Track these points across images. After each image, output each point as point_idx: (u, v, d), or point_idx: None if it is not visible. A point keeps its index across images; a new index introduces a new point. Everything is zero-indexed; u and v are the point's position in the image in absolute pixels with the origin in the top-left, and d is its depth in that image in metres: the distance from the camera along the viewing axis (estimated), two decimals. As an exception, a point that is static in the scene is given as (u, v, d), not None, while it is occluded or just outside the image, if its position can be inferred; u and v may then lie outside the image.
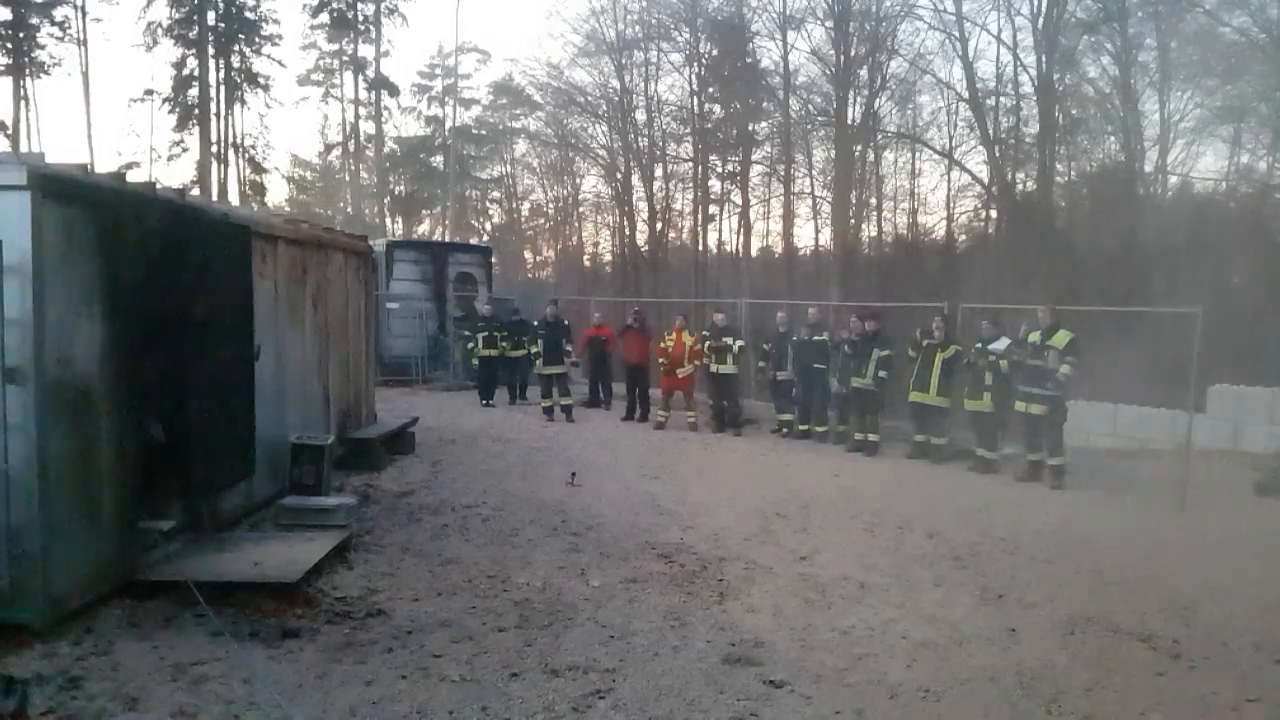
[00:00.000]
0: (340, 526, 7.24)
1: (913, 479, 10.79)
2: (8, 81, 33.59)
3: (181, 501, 6.35)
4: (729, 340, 13.93)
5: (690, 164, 34.61)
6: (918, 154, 31.67)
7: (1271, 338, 16.97)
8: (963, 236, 31.37)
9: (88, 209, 5.35)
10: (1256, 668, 5.30)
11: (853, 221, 30.36)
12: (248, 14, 36.85)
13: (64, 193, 5.13)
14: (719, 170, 34.44)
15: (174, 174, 39.72)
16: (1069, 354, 10.22)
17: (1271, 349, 16.26)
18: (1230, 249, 20.99)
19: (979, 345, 11.22)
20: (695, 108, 33.59)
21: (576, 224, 46.15)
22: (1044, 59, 25.47)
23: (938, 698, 4.75)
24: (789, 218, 33.40)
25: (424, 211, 53.21)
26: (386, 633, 5.38)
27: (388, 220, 49.72)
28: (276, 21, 37.84)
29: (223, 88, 36.92)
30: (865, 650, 5.37)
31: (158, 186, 6.32)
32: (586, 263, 44.39)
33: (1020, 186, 27.62)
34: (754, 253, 35.41)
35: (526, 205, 51.80)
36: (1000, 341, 10.98)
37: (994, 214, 29.12)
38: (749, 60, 32.36)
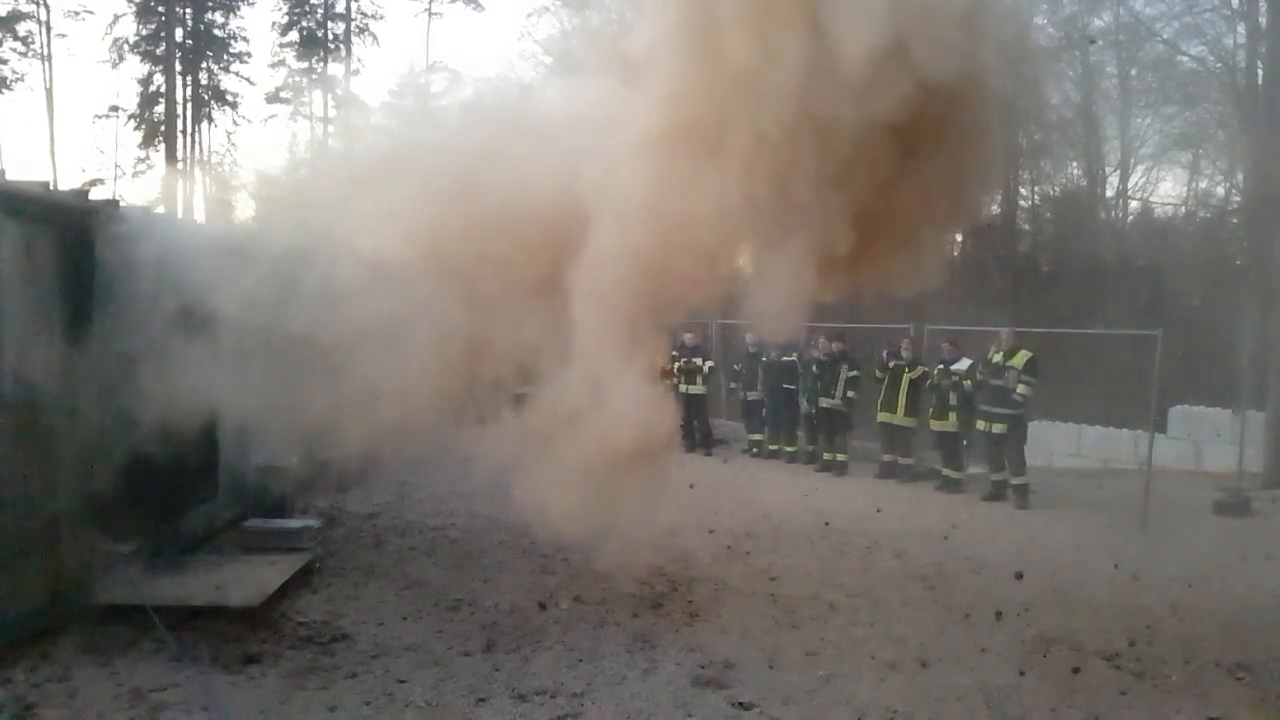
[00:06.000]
0: (304, 549, 7.13)
1: (881, 498, 10.84)
2: (-32, 97, 33.08)
3: (142, 524, 6.24)
4: (699, 360, 13.98)
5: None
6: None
7: (1231, 360, 17.32)
8: (929, 258, 31.70)
9: (49, 227, 5.27)
10: (1218, 685, 5.38)
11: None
12: (216, 31, 36.57)
13: (24, 210, 5.06)
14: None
15: (139, 191, 39.24)
16: (1027, 374, 10.43)
17: (1231, 371, 16.59)
18: (1190, 272, 21.43)
19: (941, 366, 11.41)
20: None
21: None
22: (1008, 84, 25.95)
23: (906, 718, 4.77)
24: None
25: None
26: (351, 658, 5.31)
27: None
28: (245, 39, 37.53)
29: (190, 105, 36.57)
30: (833, 671, 5.38)
31: (121, 203, 6.25)
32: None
33: (984, 210, 28.01)
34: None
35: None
36: (962, 362, 11.20)
37: (959, 237, 29.52)
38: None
